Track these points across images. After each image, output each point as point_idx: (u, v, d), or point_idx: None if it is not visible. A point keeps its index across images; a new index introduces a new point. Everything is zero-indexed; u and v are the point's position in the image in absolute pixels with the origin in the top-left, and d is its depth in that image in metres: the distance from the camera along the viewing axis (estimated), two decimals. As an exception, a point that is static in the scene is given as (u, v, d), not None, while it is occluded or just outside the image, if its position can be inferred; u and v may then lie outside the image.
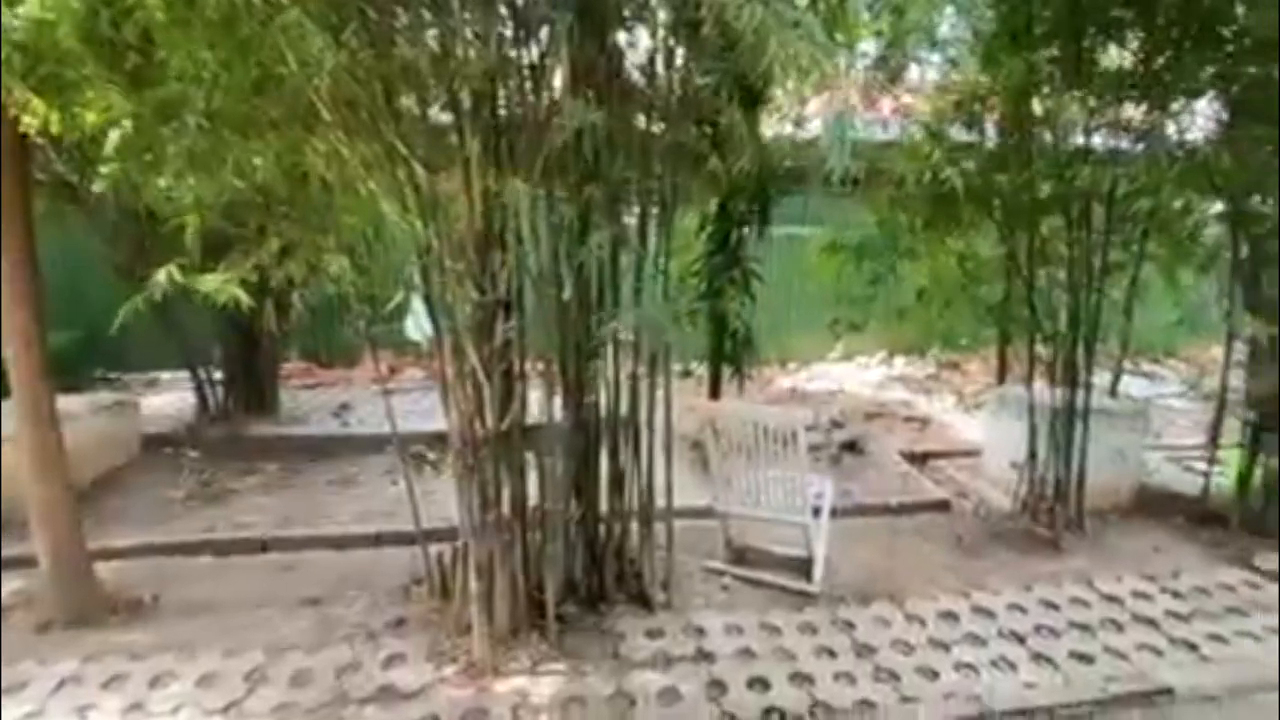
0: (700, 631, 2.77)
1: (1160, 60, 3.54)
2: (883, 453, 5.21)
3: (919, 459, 5.15)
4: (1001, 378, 5.60)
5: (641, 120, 2.92)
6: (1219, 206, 3.98)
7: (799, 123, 4.81)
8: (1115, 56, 3.80)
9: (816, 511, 3.27)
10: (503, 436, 2.61)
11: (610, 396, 3.03)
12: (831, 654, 2.63)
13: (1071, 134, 3.76)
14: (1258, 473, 3.76)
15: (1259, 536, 3.59)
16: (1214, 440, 4.05)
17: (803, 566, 3.25)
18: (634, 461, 3.08)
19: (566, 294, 2.68)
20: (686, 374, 7.45)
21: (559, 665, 2.55)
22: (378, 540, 3.63)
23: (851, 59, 3.72)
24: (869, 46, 3.99)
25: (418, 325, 3.44)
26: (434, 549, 2.97)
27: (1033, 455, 3.86)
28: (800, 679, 2.47)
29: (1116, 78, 3.64)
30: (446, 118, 2.54)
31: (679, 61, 2.76)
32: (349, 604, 3.02)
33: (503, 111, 2.62)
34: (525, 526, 2.81)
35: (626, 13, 2.69)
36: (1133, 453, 4.27)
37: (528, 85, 2.61)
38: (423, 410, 4.74)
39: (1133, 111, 3.69)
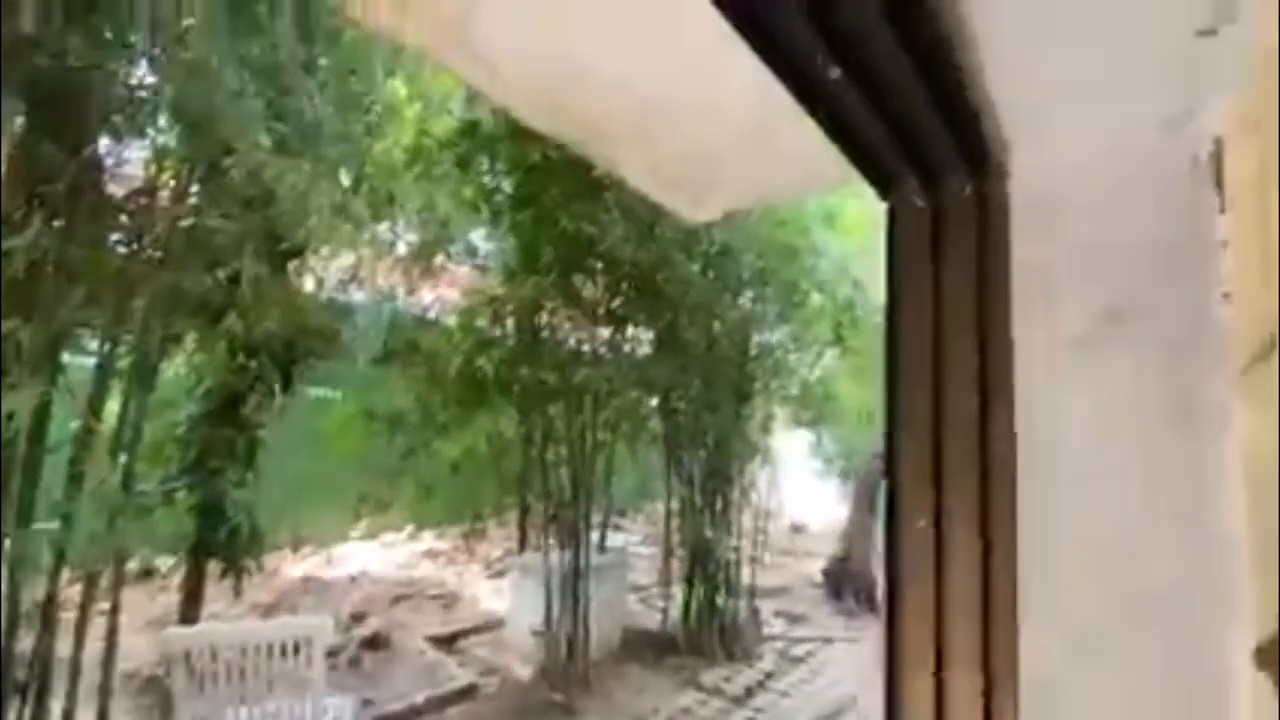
0: None
1: (616, 301, 4.91)
2: (408, 642, 4.79)
3: (446, 642, 4.93)
4: (522, 545, 6.07)
5: (123, 251, 2.25)
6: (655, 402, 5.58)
7: (325, 285, 4.63)
8: (592, 290, 5.11)
9: (332, 743, 2.64)
10: None
11: (3, 623, 1.89)
12: None
13: (568, 340, 4.75)
14: (694, 603, 4.99)
15: (700, 656, 4.69)
16: (665, 580, 5.26)
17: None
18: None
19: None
20: (146, 574, 5.49)
21: None
22: None
23: (392, 246, 3.90)
24: (413, 236, 4.27)
25: None
26: None
27: (548, 621, 4.19)
28: None
29: (592, 305, 4.85)
30: None
31: (190, 198, 2.30)
32: None
33: None
34: None
35: (117, 122, 2.12)
36: (619, 600, 5.12)
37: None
38: None
39: (604, 331, 4.94)
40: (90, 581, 2.11)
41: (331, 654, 4.01)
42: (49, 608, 2.03)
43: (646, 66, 0.87)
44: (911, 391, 0.84)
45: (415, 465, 4.35)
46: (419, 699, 3.85)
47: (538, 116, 1.71)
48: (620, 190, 3.57)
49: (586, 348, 4.68)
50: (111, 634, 2.05)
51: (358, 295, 5.14)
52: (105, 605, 2.07)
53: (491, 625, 5.24)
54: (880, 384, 0.89)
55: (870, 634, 5.75)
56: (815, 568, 7.88)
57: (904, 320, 0.87)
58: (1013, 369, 0.82)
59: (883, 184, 0.89)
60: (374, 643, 4.52)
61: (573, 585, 4.21)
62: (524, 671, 4.33)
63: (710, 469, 5.29)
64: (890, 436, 0.81)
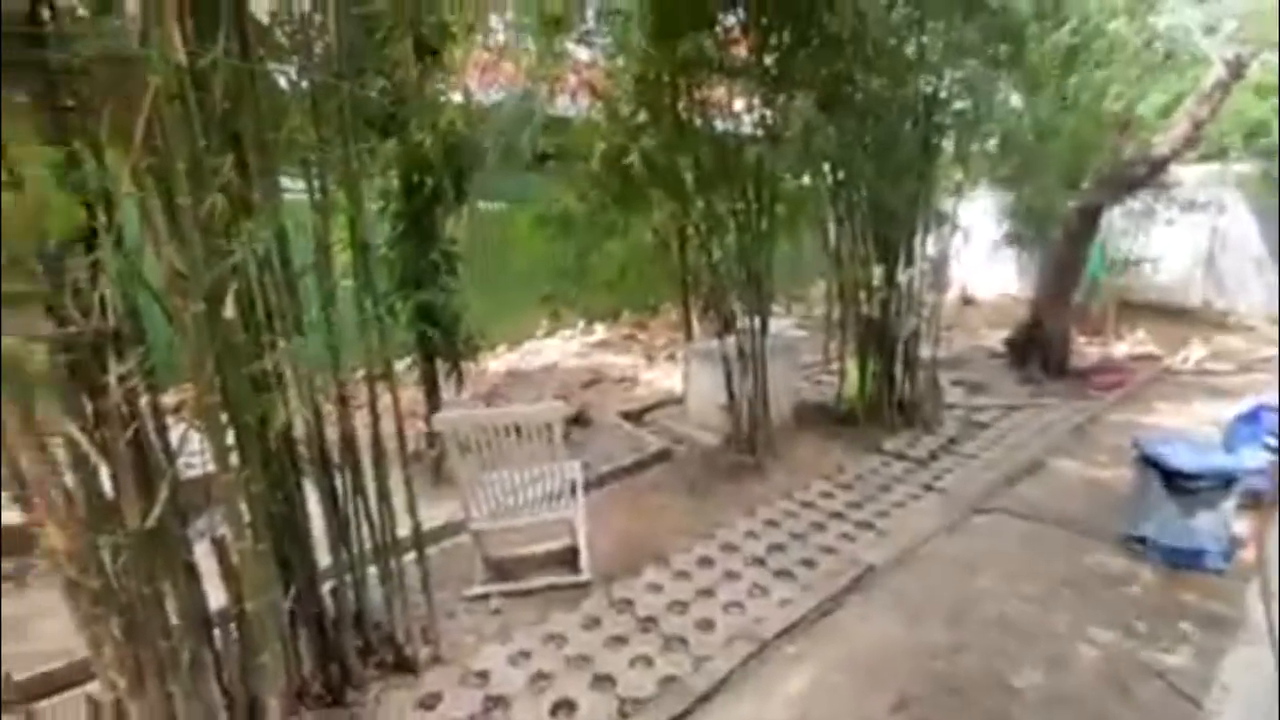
0: (482, 676, 2.45)
1: (768, 59, 4.23)
2: (603, 418, 5.45)
3: (635, 417, 5.54)
4: (689, 333, 6.35)
5: (282, 69, 2.28)
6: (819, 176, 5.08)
7: (468, 92, 4.50)
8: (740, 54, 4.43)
9: (571, 493, 3.21)
10: (150, 536, 1.81)
11: (311, 423, 2.40)
12: (621, 640, 2.62)
13: (718, 117, 4.29)
14: (868, 377, 5.04)
15: (879, 426, 4.85)
16: (841, 358, 5.29)
17: (569, 558, 3.17)
18: (357, 498, 2.54)
19: (229, 310, 1.95)
20: (383, 375, 6.62)
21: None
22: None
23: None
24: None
25: None
26: None
27: (730, 395, 4.47)
28: (601, 681, 2.39)
29: (742, 72, 4.24)
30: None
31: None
32: None
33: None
34: (211, 640, 2.07)
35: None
36: (789, 378, 5.30)
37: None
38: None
39: (754, 102, 4.37)
40: (370, 382, 2.53)
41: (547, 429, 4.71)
42: (344, 402, 2.48)
43: None
44: None
45: (589, 265, 4.49)
46: (626, 461, 4.47)
47: None
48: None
49: (746, 122, 4.23)
50: (399, 421, 2.51)
51: (495, 98, 4.99)
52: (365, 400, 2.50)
53: (669, 402, 5.75)
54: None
55: (1057, 402, 5.50)
56: (990, 339, 7.48)
57: None
58: None
59: None
60: (578, 419, 5.21)
61: (751, 364, 4.38)
62: (709, 439, 4.80)
63: (884, 243, 4.89)
64: None
